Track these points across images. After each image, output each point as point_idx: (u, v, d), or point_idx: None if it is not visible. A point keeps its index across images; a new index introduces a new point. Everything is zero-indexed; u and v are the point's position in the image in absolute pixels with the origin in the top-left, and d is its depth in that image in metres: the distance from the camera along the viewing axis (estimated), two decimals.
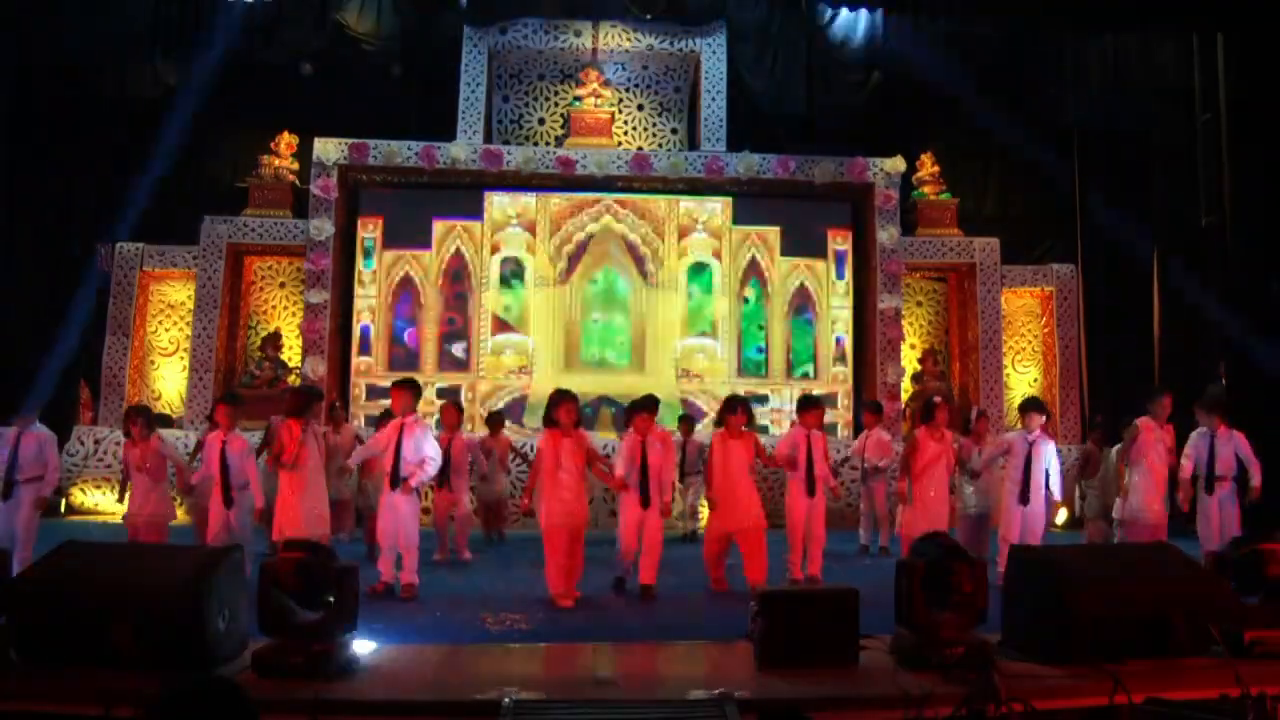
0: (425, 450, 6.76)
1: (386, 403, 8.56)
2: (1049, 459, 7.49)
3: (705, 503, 10.88)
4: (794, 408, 10.27)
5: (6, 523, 6.80)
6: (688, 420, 10.81)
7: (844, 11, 12.62)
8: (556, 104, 13.63)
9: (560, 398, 6.70)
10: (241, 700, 2.30)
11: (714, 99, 13.03)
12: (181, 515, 8.80)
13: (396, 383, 7.12)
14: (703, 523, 10.68)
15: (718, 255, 12.78)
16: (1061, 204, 13.36)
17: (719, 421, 7.53)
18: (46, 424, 7.38)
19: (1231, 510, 7.57)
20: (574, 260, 12.64)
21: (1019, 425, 8.05)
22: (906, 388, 12.83)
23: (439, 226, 12.59)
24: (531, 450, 9.33)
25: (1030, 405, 7.76)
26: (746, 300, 12.79)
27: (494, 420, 10.17)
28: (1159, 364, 12.17)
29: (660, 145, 13.61)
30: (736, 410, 7.21)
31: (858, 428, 11.52)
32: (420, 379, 12.01)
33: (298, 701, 3.48)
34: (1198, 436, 7.75)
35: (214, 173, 13.07)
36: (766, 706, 3.51)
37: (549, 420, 6.62)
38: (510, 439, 10.37)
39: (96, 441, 11.28)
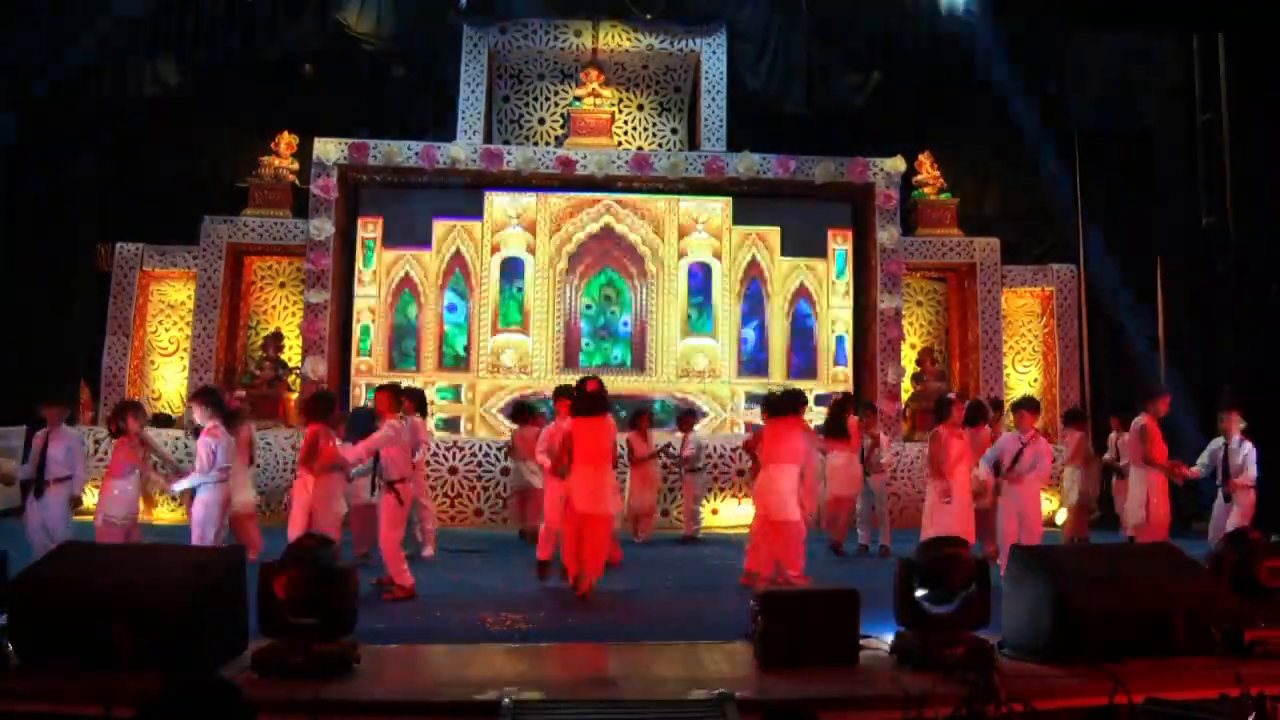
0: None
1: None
2: (1042, 458, 7.49)
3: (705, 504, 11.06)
4: None
5: (38, 522, 6.90)
6: (689, 416, 10.88)
7: None
8: (556, 104, 13.62)
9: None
10: (238, 700, 2.30)
11: (714, 99, 13.03)
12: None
13: (379, 387, 7.35)
14: (703, 525, 10.75)
15: (718, 255, 12.77)
16: (1061, 204, 13.35)
17: (782, 412, 7.39)
18: None
19: (1241, 515, 7.55)
20: (574, 260, 12.63)
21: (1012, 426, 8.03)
22: (906, 388, 12.82)
23: (439, 226, 12.58)
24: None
25: (1023, 405, 7.76)
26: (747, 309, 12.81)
27: (521, 413, 10.19)
28: (1165, 364, 12.16)
29: (660, 145, 13.61)
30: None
31: None
32: (421, 379, 12.16)
33: (298, 701, 3.48)
34: (1216, 440, 7.76)
35: (214, 173, 13.06)
36: (766, 706, 3.51)
37: (586, 408, 6.68)
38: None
39: (97, 442, 11.24)
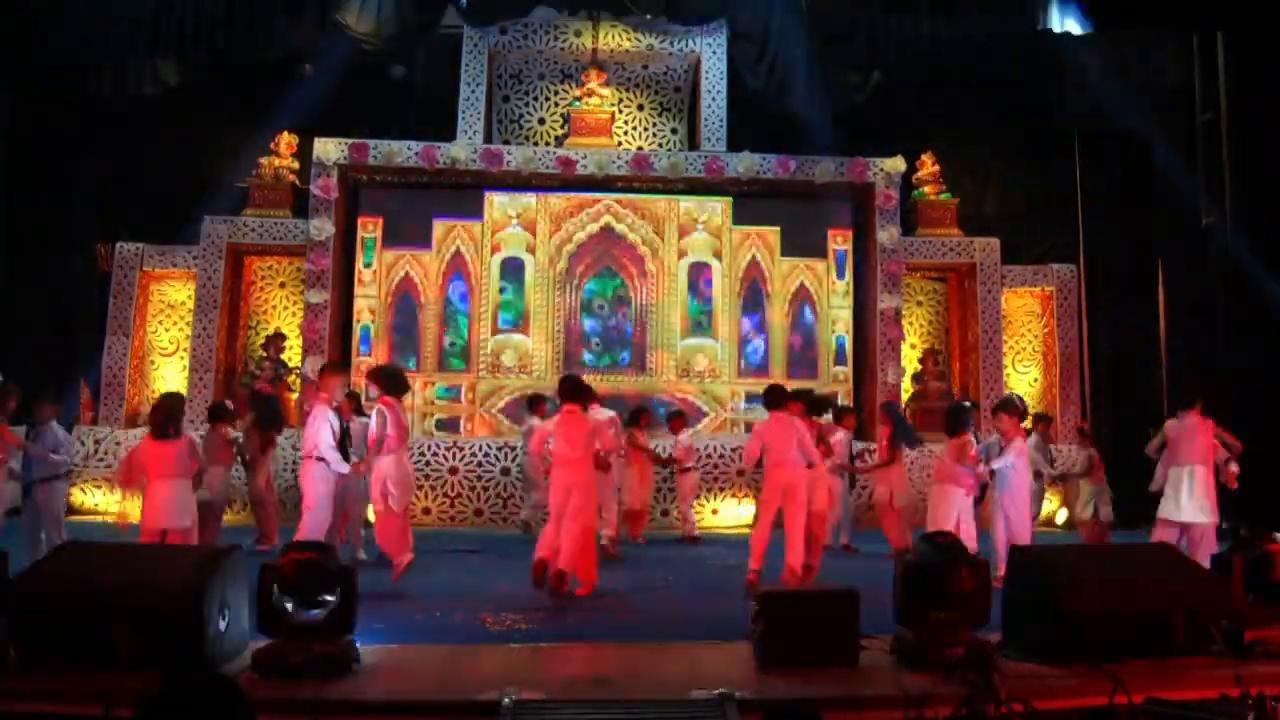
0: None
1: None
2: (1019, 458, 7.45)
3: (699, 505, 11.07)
4: None
5: (36, 521, 6.94)
6: (679, 417, 10.86)
7: None
8: (556, 104, 13.62)
9: None
10: (239, 698, 2.30)
11: (714, 99, 13.03)
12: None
13: (325, 365, 7.35)
14: (704, 525, 10.77)
15: (718, 255, 12.78)
16: (1061, 204, 13.35)
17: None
18: None
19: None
20: (574, 260, 12.64)
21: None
22: (906, 388, 12.82)
23: (439, 226, 12.59)
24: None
25: (1002, 407, 7.73)
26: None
27: (537, 404, 10.21)
28: (1166, 364, 12.16)
29: (660, 145, 13.61)
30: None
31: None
32: (421, 379, 12.16)
33: (298, 701, 3.48)
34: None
35: (214, 173, 13.05)
36: (767, 706, 3.51)
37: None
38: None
39: (97, 441, 11.27)
